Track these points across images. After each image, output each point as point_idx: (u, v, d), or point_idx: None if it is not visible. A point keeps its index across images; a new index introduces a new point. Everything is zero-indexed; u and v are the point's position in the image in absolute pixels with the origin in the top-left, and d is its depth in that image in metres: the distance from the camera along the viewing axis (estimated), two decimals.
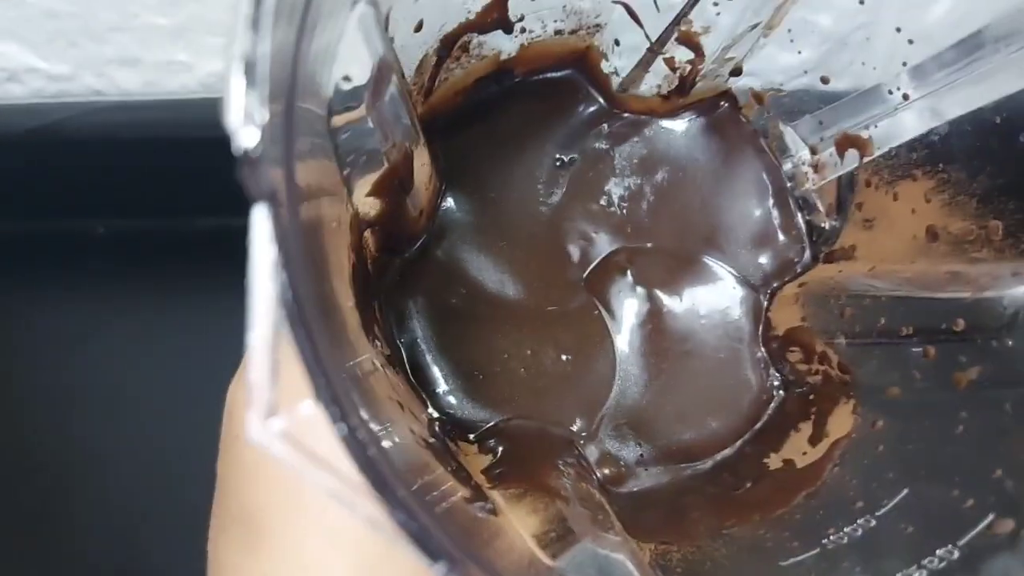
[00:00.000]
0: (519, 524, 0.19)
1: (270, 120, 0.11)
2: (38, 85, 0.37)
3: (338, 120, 0.18)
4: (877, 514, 0.20)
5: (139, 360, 0.37)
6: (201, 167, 0.36)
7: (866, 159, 0.26)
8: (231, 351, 0.36)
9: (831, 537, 0.20)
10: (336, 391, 0.12)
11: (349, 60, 0.18)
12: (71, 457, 0.35)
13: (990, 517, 0.18)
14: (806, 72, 0.27)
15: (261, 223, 0.12)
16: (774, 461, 0.25)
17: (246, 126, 0.11)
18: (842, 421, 0.24)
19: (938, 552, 0.18)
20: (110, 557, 0.33)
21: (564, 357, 0.28)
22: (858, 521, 0.20)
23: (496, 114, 0.29)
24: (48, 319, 0.39)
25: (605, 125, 0.30)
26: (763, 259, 0.29)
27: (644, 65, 0.28)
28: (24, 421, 0.36)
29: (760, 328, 0.28)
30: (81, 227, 0.40)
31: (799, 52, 0.27)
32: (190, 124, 0.36)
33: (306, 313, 0.12)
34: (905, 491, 0.20)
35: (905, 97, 0.25)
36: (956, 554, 0.17)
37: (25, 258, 0.40)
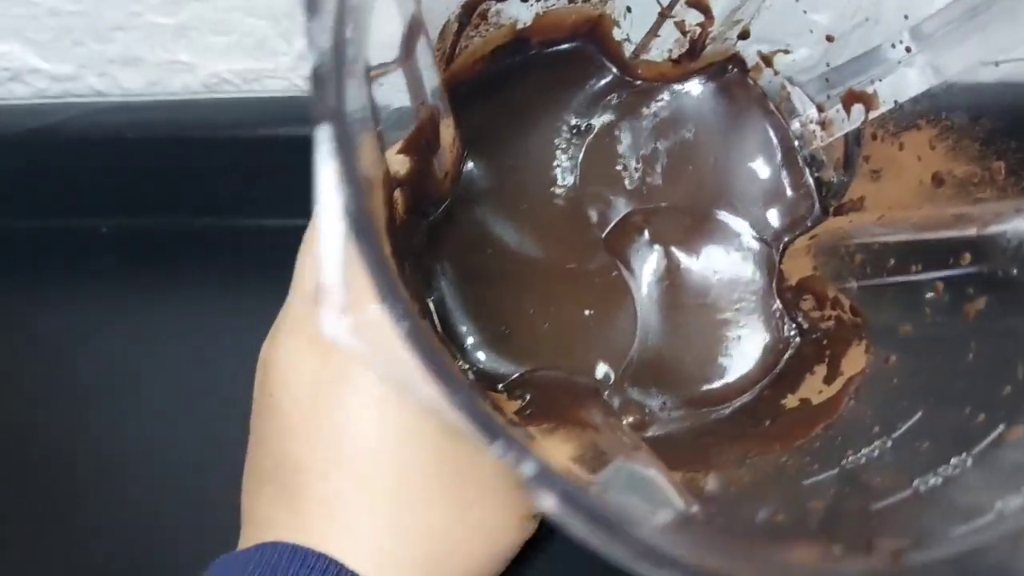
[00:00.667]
0: (554, 451, 0.20)
1: (331, 47, 0.13)
2: (41, 85, 0.37)
3: (374, 72, 0.19)
4: (893, 436, 0.21)
5: (141, 359, 0.37)
6: (203, 167, 0.38)
7: (872, 114, 0.27)
8: (233, 349, 0.37)
9: (850, 458, 0.21)
10: (399, 292, 0.13)
11: (383, 16, 0.19)
12: (73, 456, 0.35)
13: (1000, 427, 0.19)
14: (811, 32, 0.28)
15: (324, 143, 0.13)
16: (791, 401, 0.26)
17: (312, 49, 0.12)
18: (856, 360, 0.25)
19: (952, 461, 0.19)
20: (112, 556, 0.33)
21: (586, 312, 0.29)
22: (875, 443, 0.21)
23: (514, 83, 0.30)
24: (50, 319, 0.39)
25: (618, 92, 0.31)
26: (774, 215, 0.30)
27: (655, 29, 0.29)
28: (26, 421, 0.36)
29: (774, 280, 0.29)
30: (83, 227, 0.40)
31: (804, 12, 0.28)
32: (192, 124, 0.37)
33: (369, 223, 0.13)
34: (919, 414, 0.21)
35: (908, 51, 0.26)
36: (969, 461, 0.18)
37: (27, 258, 0.40)
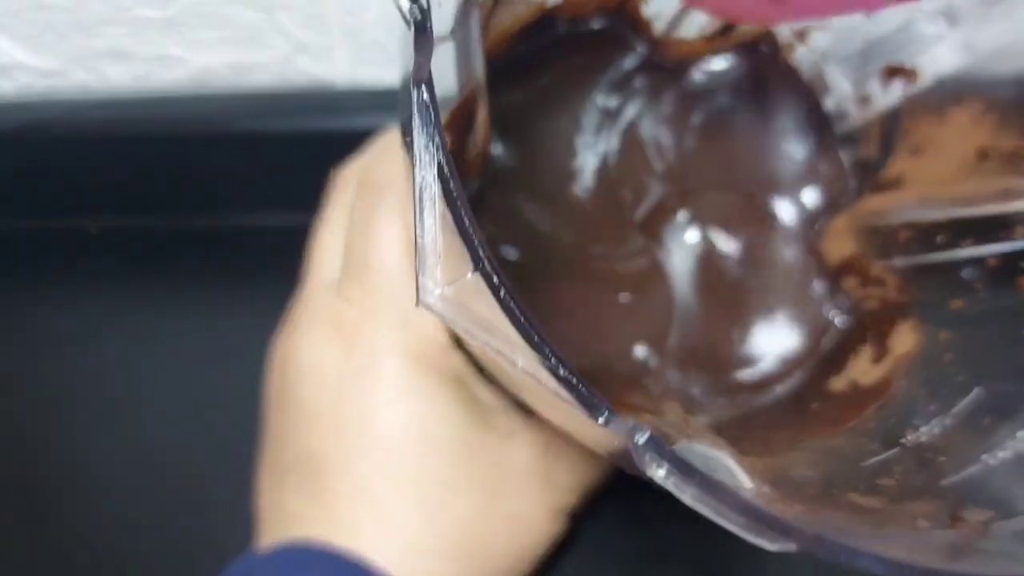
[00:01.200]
0: None
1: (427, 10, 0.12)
2: (27, 80, 0.37)
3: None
4: (952, 412, 0.21)
5: (138, 359, 0.37)
6: (194, 162, 0.37)
7: (910, 89, 0.27)
8: (232, 348, 0.36)
9: (909, 437, 0.21)
10: (492, 259, 0.12)
11: None
12: (70, 457, 0.35)
13: None
14: None
15: (418, 107, 0.12)
16: (838, 383, 0.26)
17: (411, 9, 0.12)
18: (904, 338, 0.25)
19: (1019, 434, 0.18)
20: (112, 558, 0.32)
21: (621, 297, 0.29)
22: (932, 421, 0.21)
23: (542, 64, 0.30)
24: (42, 319, 0.38)
25: (649, 72, 0.31)
26: (810, 195, 0.30)
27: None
28: (23, 421, 0.36)
29: (813, 261, 0.29)
30: (71, 226, 0.40)
31: None
32: (184, 119, 0.36)
33: (462, 188, 0.12)
34: (976, 390, 0.21)
35: (941, 27, 0.26)
36: None
37: (20, 256, 0.40)
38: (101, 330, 0.38)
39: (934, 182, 0.26)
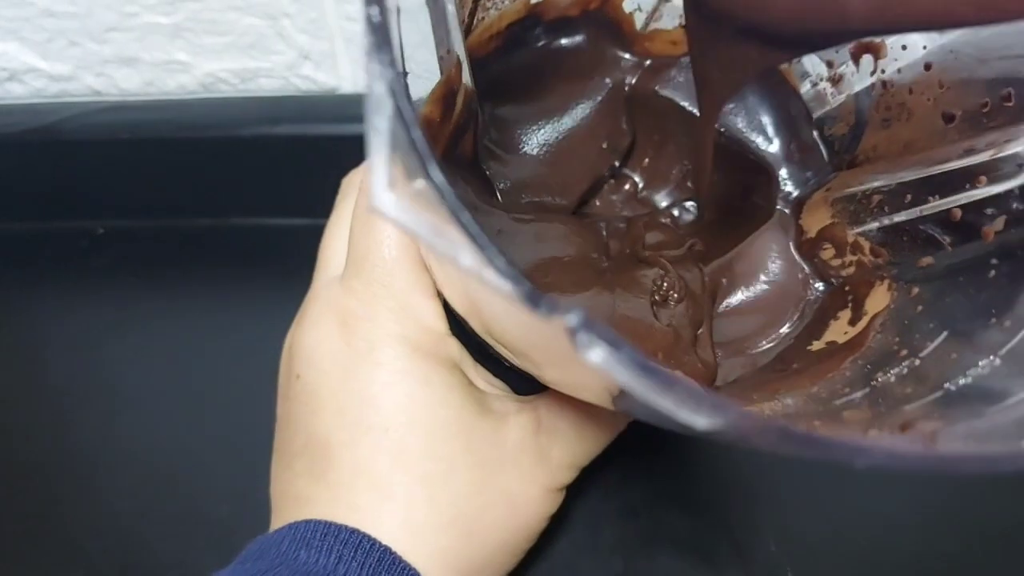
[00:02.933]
0: None
1: None
2: (38, 85, 0.38)
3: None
4: (921, 355, 0.21)
5: (140, 359, 0.37)
6: (200, 166, 0.38)
7: (881, 63, 0.28)
8: (235, 349, 0.37)
9: (879, 379, 0.22)
10: (441, 169, 0.13)
11: None
12: (72, 457, 0.35)
13: None
14: None
15: (368, 32, 0.13)
16: (817, 345, 0.27)
17: None
18: (879, 299, 0.26)
19: (980, 363, 0.19)
20: (112, 558, 0.33)
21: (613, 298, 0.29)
22: (903, 363, 0.22)
23: (527, 68, 0.31)
24: (47, 320, 0.39)
25: (631, 73, 0.32)
26: (790, 178, 0.31)
27: None
28: (24, 421, 0.36)
29: (793, 236, 0.30)
30: (84, 227, 0.40)
31: None
32: (189, 124, 0.37)
33: (410, 102, 0.13)
34: (945, 333, 0.22)
35: None
36: (997, 361, 0.19)
37: (28, 257, 0.41)
38: (102, 330, 0.38)
39: (906, 149, 0.27)
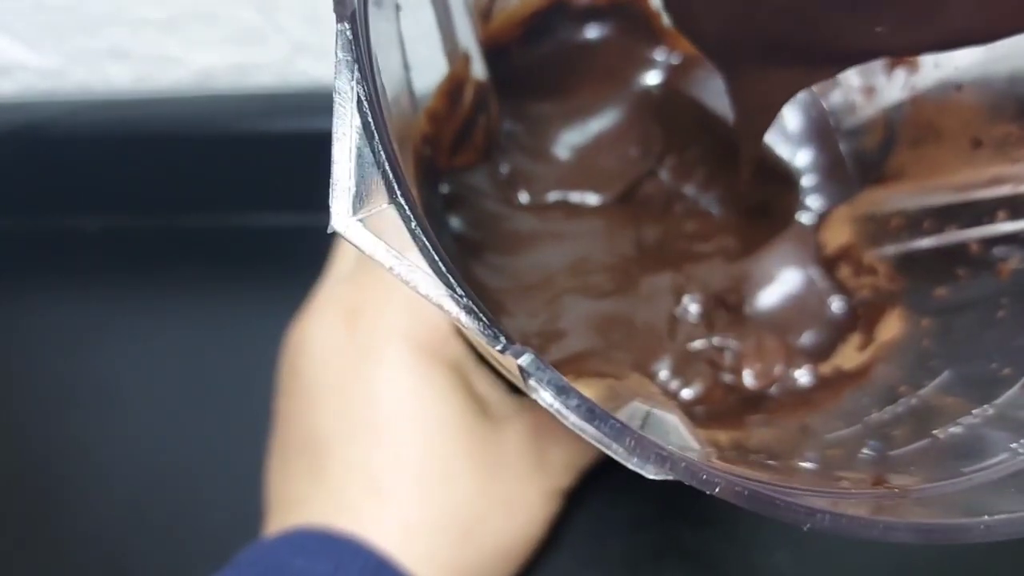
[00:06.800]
0: None
1: None
2: (28, 80, 0.37)
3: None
4: (918, 393, 0.21)
5: (137, 359, 0.37)
6: (195, 163, 0.37)
7: (914, 78, 0.27)
8: (232, 347, 0.36)
9: (873, 415, 0.21)
10: (409, 193, 0.13)
11: None
12: (70, 457, 0.35)
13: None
14: None
15: (342, 40, 0.13)
16: (823, 369, 0.26)
17: None
18: (890, 326, 0.25)
19: (974, 412, 0.18)
20: (111, 558, 0.33)
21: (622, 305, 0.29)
22: (899, 401, 0.21)
23: (554, 60, 0.31)
24: (40, 318, 0.38)
25: (657, 71, 0.31)
26: (813, 190, 0.30)
27: None
28: (23, 421, 0.36)
29: (813, 251, 0.29)
30: (75, 225, 0.39)
31: None
32: (183, 120, 0.36)
33: (383, 121, 0.13)
34: (946, 372, 0.21)
35: None
36: (991, 411, 0.18)
37: (20, 255, 0.40)
38: (97, 328, 0.38)
39: (932, 171, 0.26)
